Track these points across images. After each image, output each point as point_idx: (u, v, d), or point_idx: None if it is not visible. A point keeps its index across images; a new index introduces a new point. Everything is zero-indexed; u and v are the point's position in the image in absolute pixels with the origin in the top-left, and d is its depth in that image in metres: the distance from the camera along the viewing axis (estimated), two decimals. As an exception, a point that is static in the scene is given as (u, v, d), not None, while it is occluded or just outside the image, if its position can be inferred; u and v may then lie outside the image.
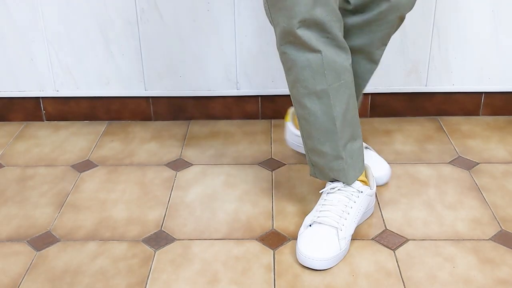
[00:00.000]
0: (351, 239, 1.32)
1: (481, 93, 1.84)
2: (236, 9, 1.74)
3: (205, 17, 1.75)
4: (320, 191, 1.36)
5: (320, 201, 1.33)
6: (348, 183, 1.31)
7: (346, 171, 1.29)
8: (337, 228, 1.26)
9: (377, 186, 1.37)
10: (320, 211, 1.29)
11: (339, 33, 1.19)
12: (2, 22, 1.77)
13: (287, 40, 1.18)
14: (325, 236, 1.25)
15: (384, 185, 1.49)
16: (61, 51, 1.81)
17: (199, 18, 1.75)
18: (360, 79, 1.38)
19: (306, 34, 1.15)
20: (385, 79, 1.82)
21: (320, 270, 1.23)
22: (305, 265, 1.23)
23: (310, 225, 1.28)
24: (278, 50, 1.22)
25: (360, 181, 1.33)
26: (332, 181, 1.33)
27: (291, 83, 1.24)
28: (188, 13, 1.74)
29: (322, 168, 1.31)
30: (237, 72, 1.82)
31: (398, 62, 1.80)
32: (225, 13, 1.74)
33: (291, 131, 1.60)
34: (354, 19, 1.30)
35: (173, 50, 1.80)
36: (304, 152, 1.46)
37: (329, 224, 1.26)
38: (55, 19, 1.76)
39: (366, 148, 1.52)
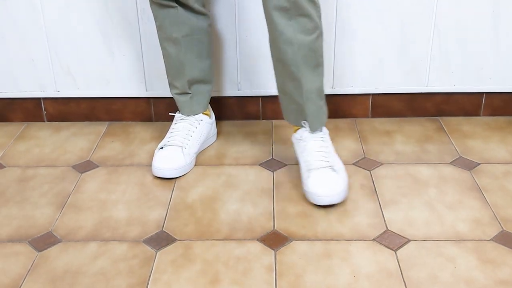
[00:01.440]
0: (355, 240, 1.32)
1: (481, 93, 1.84)
2: (237, 9, 1.73)
3: (206, 18, 1.74)
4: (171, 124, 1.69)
5: (170, 129, 1.67)
6: (190, 114, 1.66)
7: (190, 104, 1.66)
8: (181, 146, 1.59)
9: (325, 206, 1.42)
10: (169, 136, 1.63)
11: (194, 5, 1.52)
12: (2, 22, 1.77)
13: None
14: (171, 153, 1.58)
15: (344, 200, 1.46)
16: (62, 52, 1.81)
17: (199, 19, 1.75)
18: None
19: None
20: (386, 79, 1.82)
21: (171, 178, 1.55)
22: (158, 176, 1.56)
23: (162, 148, 1.60)
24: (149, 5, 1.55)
25: (204, 114, 1.69)
26: (178, 112, 1.69)
27: (157, 29, 1.58)
28: (188, 13, 1.74)
29: (175, 98, 1.67)
30: (238, 72, 1.82)
31: (398, 62, 1.80)
32: (225, 14, 1.74)
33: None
34: None
35: (174, 51, 1.80)
36: None
37: (175, 144, 1.60)
38: (56, 19, 1.76)
39: (333, 169, 1.47)
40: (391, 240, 1.32)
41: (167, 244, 1.32)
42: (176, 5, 1.50)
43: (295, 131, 1.55)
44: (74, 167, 1.65)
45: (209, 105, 1.75)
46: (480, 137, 1.74)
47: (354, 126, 1.83)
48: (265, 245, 1.31)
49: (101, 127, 1.87)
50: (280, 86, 1.51)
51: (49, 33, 1.78)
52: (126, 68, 1.82)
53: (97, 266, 1.26)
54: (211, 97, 1.86)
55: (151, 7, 1.54)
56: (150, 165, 1.64)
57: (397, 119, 1.87)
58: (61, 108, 1.90)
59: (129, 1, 1.73)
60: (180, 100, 1.66)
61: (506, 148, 1.68)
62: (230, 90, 1.85)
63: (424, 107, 1.87)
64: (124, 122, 1.91)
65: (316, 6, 1.37)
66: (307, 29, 1.38)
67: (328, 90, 1.82)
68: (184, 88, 1.63)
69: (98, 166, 1.65)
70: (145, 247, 1.32)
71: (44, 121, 1.92)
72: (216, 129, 1.77)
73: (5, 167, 1.66)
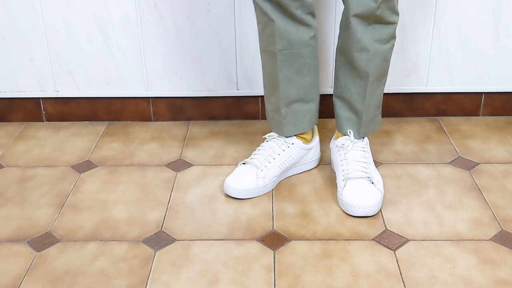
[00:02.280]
0: (354, 240, 1.32)
1: (481, 93, 1.84)
2: (236, 9, 1.73)
3: (205, 18, 1.75)
4: (263, 136, 1.59)
5: (260, 146, 1.55)
6: (283, 134, 1.52)
7: (283, 125, 1.50)
8: (258, 168, 1.48)
9: (365, 216, 1.40)
10: (254, 153, 1.54)
11: (296, 11, 1.34)
12: (2, 22, 1.77)
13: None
14: (247, 172, 1.49)
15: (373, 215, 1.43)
16: (61, 52, 1.81)
17: (199, 19, 1.75)
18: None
19: (263, 3, 1.35)
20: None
21: (237, 198, 1.47)
22: (226, 193, 1.48)
23: (244, 163, 1.52)
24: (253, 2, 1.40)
25: (301, 137, 1.54)
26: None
27: (258, 34, 1.44)
28: (188, 13, 1.74)
29: (269, 113, 1.53)
30: (237, 72, 1.82)
31: (398, 62, 1.80)
32: (224, 14, 1.74)
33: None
34: None
35: (173, 51, 1.80)
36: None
37: (254, 164, 1.50)
38: (55, 19, 1.76)
39: (371, 182, 1.44)
40: (390, 240, 1.32)
41: (167, 244, 1.32)
42: (274, 19, 1.35)
43: (337, 137, 1.53)
44: (73, 167, 1.65)
45: (315, 130, 1.60)
46: (479, 137, 1.74)
47: (354, 126, 1.83)
48: (264, 245, 1.31)
49: (100, 127, 1.87)
50: (339, 92, 1.48)
51: (48, 33, 1.78)
52: (125, 68, 1.82)
53: (97, 266, 1.26)
54: (211, 98, 1.87)
55: (255, 11, 1.41)
56: (150, 165, 1.64)
57: (397, 119, 1.87)
58: (60, 108, 1.90)
59: (129, 1, 1.73)
60: (274, 118, 1.51)
61: (505, 148, 1.68)
62: (229, 90, 1.85)
63: (424, 107, 1.87)
64: (123, 122, 1.91)
65: (397, 16, 1.36)
66: (383, 38, 1.37)
67: (327, 90, 1.82)
68: (278, 106, 1.48)
69: (97, 166, 1.65)
70: (145, 247, 1.32)
71: (44, 121, 1.92)
72: (319, 154, 1.61)
73: (5, 167, 1.66)
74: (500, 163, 1.60)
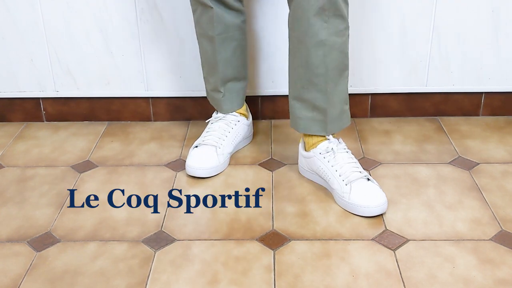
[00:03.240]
0: (354, 240, 1.32)
1: (480, 93, 1.84)
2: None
3: (205, 18, 1.75)
4: (206, 121, 1.70)
5: (206, 128, 1.65)
6: (222, 112, 1.66)
7: (223, 102, 1.64)
8: (216, 146, 1.58)
9: (369, 216, 1.40)
10: (204, 136, 1.63)
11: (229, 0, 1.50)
12: (2, 22, 1.77)
13: None
14: (207, 152, 1.57)
15: (379, 215, 1.42)
16: (61, 52, 1.81)
17: (199, 19, 1.75)
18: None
19: None
20: (385, 79, 1.82)
21: (204, 177, 1.55)
22: (192, 175, 1.56)
23: (196, 147, 1.60)
24: None
25: (240, 113, 1.67)
26: (216, 112, 1.68)
27: (195, 23, 1.58)
28: (187, 13, 1.74)
29: (209, 93, 1.67)
30: (237, 72, 1.82)
31: (397, 62, 1.80)
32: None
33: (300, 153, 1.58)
34: None
35: (173, 51, 1.80)
36: (312, 179, 1.56)
37: (209, 144, 1.59)
38: (55, 19, 1.76)
39: (367, 179, 1.45)
40: (389, 240, 1.32)
41: (166, 244, 1.32)
42: (211, 5, 1.49)
43: (315, 144, 1.49)
44: (73, 167, 1.65)
45: (247, 106, 1.74)
46: (479, 137, 1.74)
47: (353, 126, 1.83)
48: (264, 245, 1.31)
49: (100, 127, 1.87)
50: (296, 94, 1.46)
51: (48, 33, 1.78)
52: (125, 68, 1.82)
53: (97, 266, 1.26)
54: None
55: (191, 0, 1.54)
56: (150, 165, 1.64)
57: (396, 119, 1.87)
58: (60, 108, 1.90)
59: (129, 1, 1.73)
60: (214, 97, 1.65)
61: (505, 148, 1.68)
62: (230, 90, 1.84)
63: (423, 107, 1.87)
64: (123, 122, 1.91)
65: (347, 6, 1.36)
66: (339, 30, 1.35)
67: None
68: (217, 85, 1.62)
69: (97, 166, 1.65)
70: (144, 247, 1.32)
71: (44, 121, 1.92)
72: (252, 131, 1.76)
73: (4, 167, 1.66)
74: (499, 163, 1.60)
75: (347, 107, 1.48)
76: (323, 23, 1.33)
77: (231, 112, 1.66)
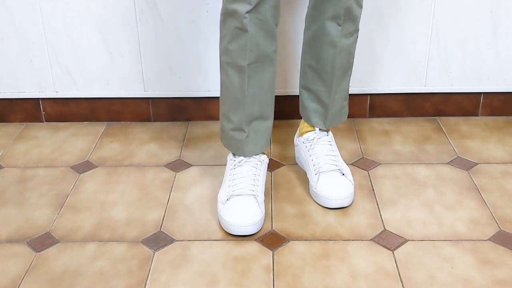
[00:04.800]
0: (353, 240, 1.32)
1: (480, 93, 1.84)
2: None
3: (204, 18, 1.75)
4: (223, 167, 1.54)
5: (229, 176, 1.43)
6: (243, 154, 1.43)
7: (245, 144, 1.42)
8: (254, 195, 1.38)
9: (335, 208, 1.43)
10: (233, 184, 1.40)
11: (272, 18, 1.29)
12: (2, 22, 1.77)
13: (225, 12, 1.29)
14: (247, 204, 1.36)
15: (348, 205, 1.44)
16: (61, 52, 1.81)
17: (198, 19, 1.75)
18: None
19: (240, 11, 1.26)
20: (384, 79, 1.82)
21: (250, 235, 1.34)
22: (236, 234, 1.33)
23: (228, 200, 1.38)
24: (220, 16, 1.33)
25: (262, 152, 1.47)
26: (234, 155, 1.45)
27: (222, 50, 1.35)
28: (187, 14, 1.74)
29: (227, 133, 1.43)
30: (236, 72, 1.81)
31: (397, 62, 1.80)
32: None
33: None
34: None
35: (173, 51, 1.80)
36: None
37: (247, 193, 1.38)
38: (55, 20, 1.76)
39: (342, 173, 1.46)
40: (388, 240, 1.32)
41: (165, 245, 1.32)
42: (248, 28, 1.27)
43: (302, 134, 1.55)
44: (73, 167, 1.65)
45: None
46: (478, 137, 1.74)
47: (352, 126, 1.83)
48: (263, 245, 1.31)
49: (100, 128, 1.87)
50: (305, 83, 1.50)
51: (48, 34, 1.78)
52: (125, 69, 1.82)
53: (96, 267, 1.26)
54: (211, 98, 1.87)
55: (220, 24, 1.32)
56: (149, 166, 1.64)
57: (396, 119, 1.87)
58: (60, 109, 1.90)
59: (128, 1, 1.73)
60: (234, 137, 1.42)
61: (504, 148, 1.68)
62: (229, 90, 1.84)
63: (423, 107, 1.87)
64: (123, 122, 1.91)
65: (361, 9, 1.38)
66: (349, 32, 1.39)
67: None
68: (241, 124, 1.39)
69: (97, 167, 1.65)
70: (144, 247, 1.32)
71: (43, 122, 1.92)
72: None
73: (4, 167, 1.66)
74: (498, 163, 1.60)
75: (346, 103, 1.53)
76: (337, 26, 1.37)
77: (254, 155, 1.45)
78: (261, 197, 1.40)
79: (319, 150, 1.50)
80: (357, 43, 1.76)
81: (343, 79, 1.47)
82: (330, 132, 1.54)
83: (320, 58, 1.43)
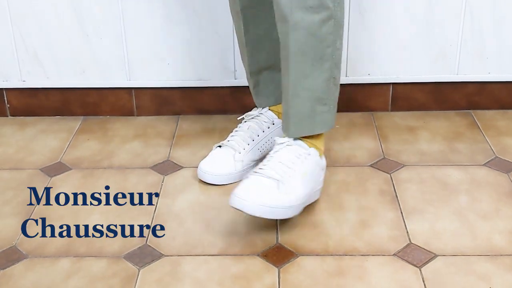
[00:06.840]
0: (373, 255, 1.32)
1: (521, 82, 1.85)
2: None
3: (197, -6, 1.75)
4: (238, 118, 1.66)
5: (236, 127, 1.62)
6: (257, 106, 1.62)
7: (254, 94, 1.61)
8: (236, 150, 1.56)
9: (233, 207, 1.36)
10: (231, 135, 1.60)
11: None
12: (-42, 0, 1.77)
13: None
14: (223, 155, 1.56)
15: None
16: (28, 35, 1.81)
17: (189, -4, 1.75)
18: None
19: None
20: (408, 66, 1.82)
21: (212, 184, 1.55)
22: (200, 178, 1.56)
23: (220, 146, 1.59)
24: None
25: (278, 112, 1.60)
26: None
27: None
28: (177, -11, 1.74)
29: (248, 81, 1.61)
30: (235, 58, 1.82)
31: (422, 47, 1.80)
32: (220, -10, 1.74)
33: None
34: None
35: (160, 33, 1.80)
36: None
37: (231, 146, 1.57)
38: (21, -4, 1.77)
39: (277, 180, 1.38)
40: (415, 256, 1.32)
41: (152, 261, 1.33)
42: None
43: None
44: (42, 170, 1.65)
45: None
46: (519, 134, 1.75)
47: (372, 121, 1.83)
48: (267, 261, 1.32)
49: (74, 123, 1.87)
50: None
51: (13, 14, 1.78)
52: (103, 54, 1.83)
53: (70, 287, 1.26)
54: (204, 88, 1.87)
55: None
56: (132, 168, 1.64)
57: (422, 113, 1.87)
58: (27, 101, 1.90)
59: (107, -25, 1.74)
60: (250, 87, 1.62)
61: (549, 147, 1.68)
62: (226, 79, 1.85)
63: (454, 99, 1.87)
64: (101, 117, 1.91)
65: None
66: (308, 6, 1.28)
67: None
68: (248, 74, 1.58)
69: (71, 169, 1.65)
70: (126, 263, 1.32)
71: (7, 116, 1.92)
72: None
73: (-38, 170, 1.66)
74: (543, 165, 1.61)
75: (325, 108, 1.39)
76: None
77: (266, 109, 1.61)
78: (247, 156, 1.55)
79: (280, 155, 1.38)
80: (376, 25, 1.76)
81: (311, 72, 1.34)
82: (312, 150, 1.40)
83: (275, 38, 1.39)
